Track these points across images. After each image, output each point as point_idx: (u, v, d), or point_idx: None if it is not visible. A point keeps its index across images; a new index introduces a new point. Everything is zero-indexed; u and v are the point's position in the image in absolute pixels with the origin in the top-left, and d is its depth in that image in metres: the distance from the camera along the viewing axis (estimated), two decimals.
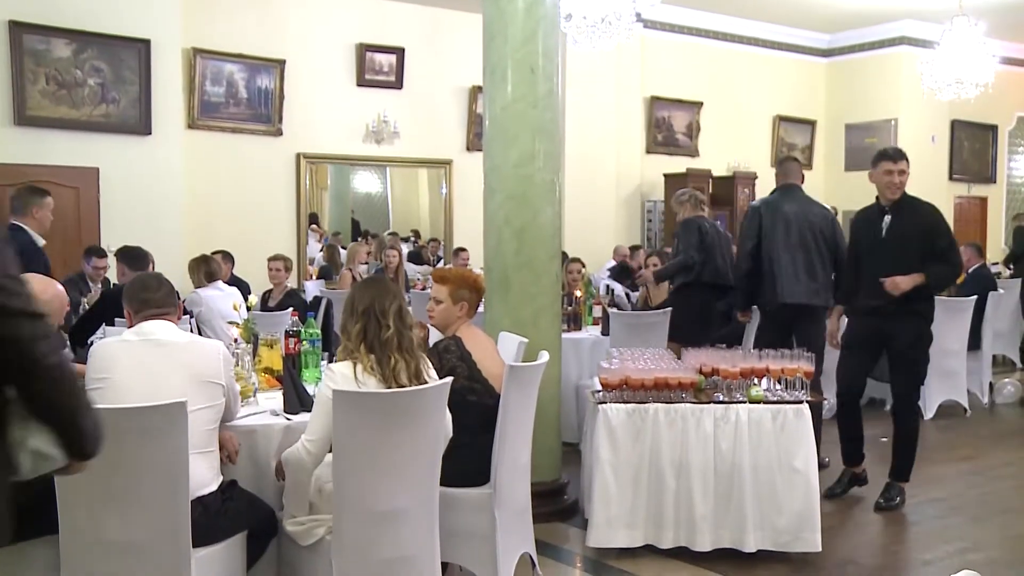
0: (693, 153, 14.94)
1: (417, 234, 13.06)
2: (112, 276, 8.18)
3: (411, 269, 11.50)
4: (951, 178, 17.02)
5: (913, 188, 17.20)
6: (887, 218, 6.11)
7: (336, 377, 3.81)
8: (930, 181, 16.38)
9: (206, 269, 8.04)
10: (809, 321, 6.81)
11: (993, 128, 17.67)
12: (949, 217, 16.16)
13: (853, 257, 6.44)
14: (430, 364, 4.13)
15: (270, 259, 8.82)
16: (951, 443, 8.16)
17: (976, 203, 17.71)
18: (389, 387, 3.78)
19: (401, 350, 3.87)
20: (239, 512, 3.80)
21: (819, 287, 6.79)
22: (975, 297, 9.23)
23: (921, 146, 16.02)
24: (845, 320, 6.59)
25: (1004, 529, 5.82)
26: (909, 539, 5.66)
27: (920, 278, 5.87)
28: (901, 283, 5.86)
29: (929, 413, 8.89)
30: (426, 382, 3.92)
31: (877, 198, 6.24)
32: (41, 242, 6.61)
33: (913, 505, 6.28)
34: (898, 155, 6.21)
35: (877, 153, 6.36)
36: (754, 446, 5.06)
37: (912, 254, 5.96)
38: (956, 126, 16.82)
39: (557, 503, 5.96)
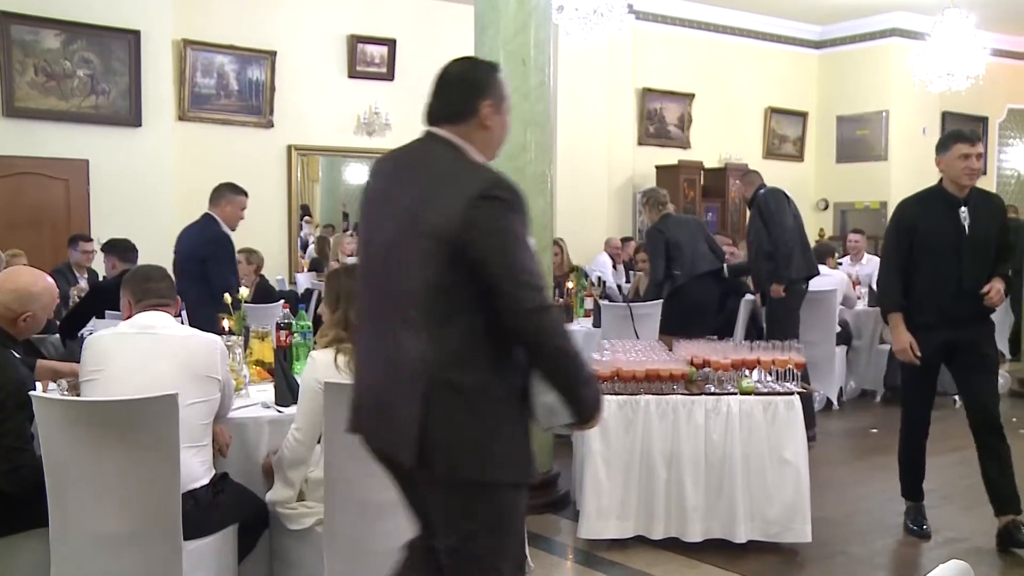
0: (685, 145, 14.96)
1: None
2: (99, 269, 8.18)
3: None
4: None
5: (904, 179, 17.38)
6: (964, 210, 5.25)
7: (317, 366, 3.83)
8: (921, 173, 16.42)
9: None
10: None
11: (984, 120, 17.69)
12: None
13: (905, 256, 5.40)
14: None
15: (238, 252, 8.83)
16: (942, 434, 8.09)
17: None
18: None
19: None
20: (230, 505, 3.81)
21: None
22: None
23: (912, 138, 16.08)
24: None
25: (993, 519, 5.84)
26: (898, 530, 5.69)
27: (1002, 282, 5.23)
28: (1003, 289, 5.24)
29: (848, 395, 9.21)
30: None
31: (941, 187, 5.40)
32: (228, 232, 7.09)
33: (868, 495, 6.33)
34: (975, 136, 5.42)
35: (948, 134, 5.55)
36: (745, 437, 5.09)
37: (991, 253, 5.26)
38: (947, 118, 16.83)
39: (549, 495, 5.97)
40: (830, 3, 14.79)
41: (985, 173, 17.90)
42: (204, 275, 6.53)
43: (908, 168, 16.07)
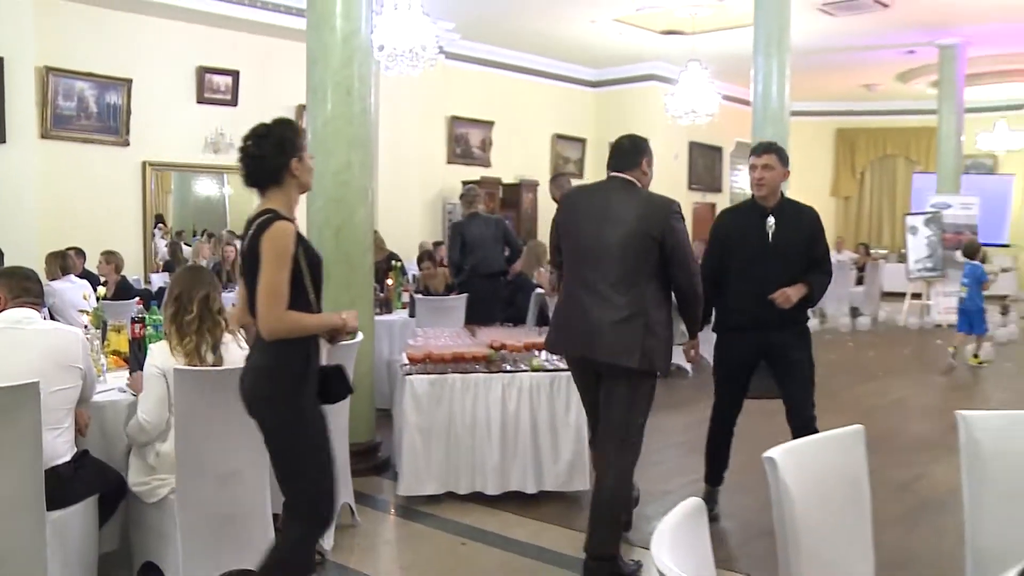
0: (486, 164, 15.10)
1: None
2: None
3: None
4: (690, 187, 17.80)
5: (660, 193, 17.69)
6: (771, 220, 4.70)
7: (155, 356, 3.74)
8: (674, 189, 17.06)
9: (61, 263, 7.67)
10: None
11: (719, 149, 18.56)
12: (688, 220, 17.18)
13: (717, 265, 4.81)
14: (239, 341, 3.98)
15: (101, 253, 8.49)
16: (682, 399, 8.48)
17: (708, 207, 18.53)
18: (192, 363, 3.70)
19: (201, 331, 3.78)
20: (90, 478, 3.66)
21: None
22: None
23: (666, 162, 16.66)
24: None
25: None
26: (655, 475, 5.87)
27: (804, 288, 4.64)
28: (793, 296, 4.58)
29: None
30: (221, 358, 3.83)
31: (753, 198, 4.82)
32: None
33: (660, 448, 6.54)
34: (760, 148, 4.86)
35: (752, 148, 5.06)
36: (535, 406, 5.18)
37: (797, 262, 4.68)
38: (693, 146, 17.59)
39: (372, 460, 5.95)
40: (603, 52, 15.21)
41: (721, 190, 18.83)
42: None
43: (664, 186, 16.48)
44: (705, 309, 4.49)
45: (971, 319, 10.11)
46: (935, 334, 12.92)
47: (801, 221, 4.80)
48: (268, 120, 3.31)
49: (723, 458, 5.08)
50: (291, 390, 3.13)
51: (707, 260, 4.85)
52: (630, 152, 4.38)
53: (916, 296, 14.44)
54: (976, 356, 10.26)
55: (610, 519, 4.05)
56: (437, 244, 13.15)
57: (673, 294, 4.14)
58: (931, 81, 16.35)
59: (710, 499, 4.96)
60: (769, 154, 4.77)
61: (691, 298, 4.15)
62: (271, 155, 3.27)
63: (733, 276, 4.77)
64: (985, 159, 19.57)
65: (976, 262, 10.28)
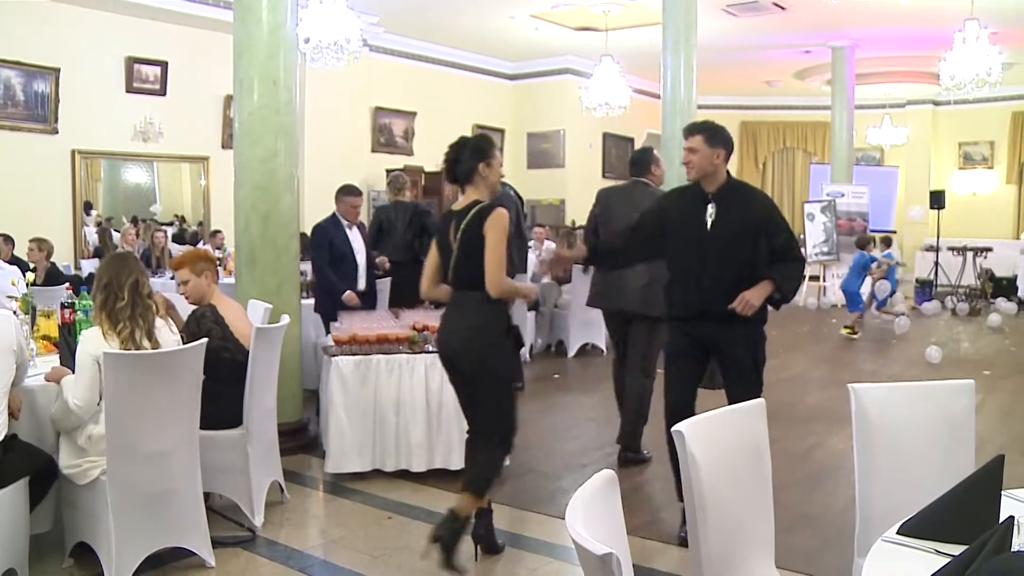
0: (409, 152, 14.98)
1: (181, 219, 12.49)
2: None
3: (174, 248, 11.00)
4: (603, 175, 17.90)
5: (576, 182, 17.98)
6: (711, 207, 4.16)
7: (87, 342, 3.64)
8: (589, 177, 17.22)
9: None
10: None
11: (631, 139, 18.65)
12: None
13: (646, 229, 4.42)
14: (171, 325, 3.98)
15: (29, 241, 8.22)
16: (596, 376, 8.57)
17: None
18: (126, 348, 3.62)
19: (134, 317, 3.70)
20: (20, 461, 3.54)
21: None
22: None
23: (582, 151, 16.84)
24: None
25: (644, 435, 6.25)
26: (572, 449, 5.95)
27: (769, 287, 4.06)
28: (754, 300, 4.01)
29: (571, 352, 9.53)
30: (159, 342, 3.77)
31: (698, 182, 4.24)
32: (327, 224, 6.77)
33: (576, 424, 6.64)
34: (688, 130, 4.28)
35: None
36: None
37: (737, 253, 4.10)
38: (606, 137, 17.69)
39: (300, 439, 5.89)
40: (520, 46, 15.21)
41: None
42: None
43: (579, 174, 16.86)
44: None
45: (849, 299, 11.29)
46: (831, 314, 13.30)
47: (748, 208, 4.17)
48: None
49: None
50: (497, 343, 3.85)
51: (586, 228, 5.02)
52: (641, 161, 5.72)
53: (814, 279, 14.83)
54: (849, 327, 11.17)
55: (635, 415, 5.48)
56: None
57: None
58: (825, 79, 16.75)
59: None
60: (694, 136, 4.20)
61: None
62: (465, 159, 3.99)
63: (671, 262, 4.33)
64: (873, 152, 20.14)
65: (863, 251, 11.47)
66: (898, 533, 2.03)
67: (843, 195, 15.43)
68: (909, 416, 2.75)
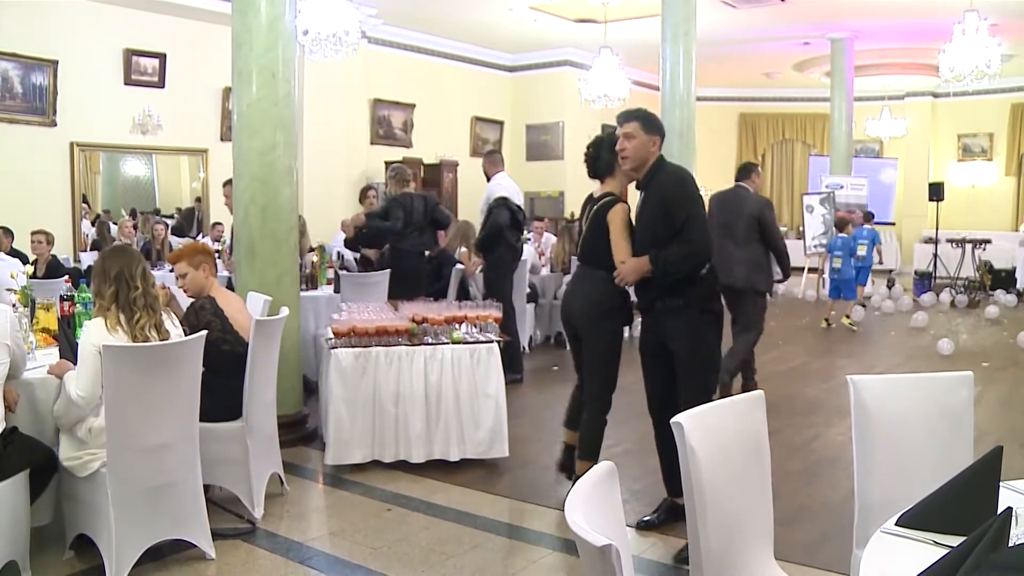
0: (408, 144, 14.96)
1: (180, 212, 12.50)
2: None
3: (174, 241, 11.00)
4: None
5: (576, 175, 17.85)
6: (640, 195, 4.21)
7: (91, 334, 3.63)
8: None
9: None
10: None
11: None
12: None
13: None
14: (173, 317, 4.00)
15: (32, 233, 8.22)
16: None
17: None
18: (135, 340, 3.62)
19: (146, 307, 3.72)
20: (20, 454, 3.54)
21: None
22: None
23: (581, 143, 16.69)
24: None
25: (636, 428, 6.17)
26: None
27: (645, 262, 4.01)
28: (626, 274, 4.08)
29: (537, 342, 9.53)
30: (168, 333, 3.80)
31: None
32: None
33: None
34: (623, 117, 4.15)
35: None
36: (456, 378, 5.17)
37: (652, 235, 4.05)
38: (605, 129, 17.57)
39: (300, 431, 5.89)
40: (519, 38, 15.18)
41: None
42: None
43: (578, 166, 16.48)
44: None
45: (841, 286, 11.26)
46: (830, 306, 13.27)
47: (659, 192, 4.08)
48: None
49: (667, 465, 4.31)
50: (608, 315, 4.38)
51: None
52: (744, 170, 7.19)
53: (813, 270, 14.84)
54: (847, 317, 11.15)
55: (745, 351, 6.93)
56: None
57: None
58: (824, 71, 16.73)
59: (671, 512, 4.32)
60: (630, 122, 4.09)
61: (781, 251, 7.01)
62: (604, 156, 4.41)
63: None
64: (872, 144, 20.14)
65: (844, 234, 11.61)
66: (896, 524, 2.03)
67: (842, 187, 15.42)
68: (908, 408, 2.76)
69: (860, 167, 16.57)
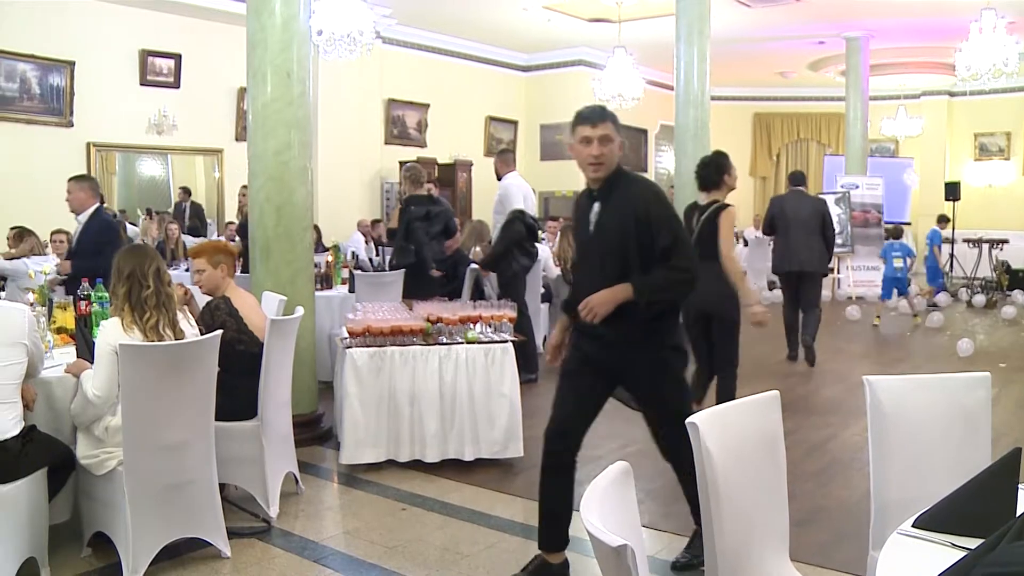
0: (422, 144, 14.99)
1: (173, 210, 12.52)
2: None
3: (188, 240, 11.05)
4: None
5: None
6: (596, 206, 3.57)
7: (107, 333, 3.65)
8: None
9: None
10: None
11: (644, 131, 18.65)
12: None
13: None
14: (189, 316, 4.02)
15: (52, 233, 8.29)
16: None
17: None
18: (149, 339, 3.64)
19: (159, 306, 3.74)
20: (38, 452, 3.57)
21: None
22: None
23: None
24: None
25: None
26: (586, 441, 5.87)
27: (625, 291, 3.39)
28: (598, 307, 3.39)
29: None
30: (183, 331, 3.82)
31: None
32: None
33: None
34: (595, 115, 3.58)
35: (574, 116, 3.68)
36: (471, 377, 5.17)
37: (620, 257, 3.45)
38: (620, 128, 17.64)
39: (315, 430, 5.92)
40: (533, 37, 15.18)
41: (646, 171, 18.89)
42: None
43: None
44: None
45: (896, 284, 11.84)
46: (846, 305, 13.21)
47: (627, 203, 3.48)
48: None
49: (558, 516, 3.70)
50: (731, 297, 5.22)
51: None
52: (799, 177, 8.85)
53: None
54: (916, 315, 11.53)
55: (815, 328, 8.51)
56: (375, 221, 13.06)
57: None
58: (839, 70, 16.65)
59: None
60: (604, 123, 3.56)
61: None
62: (712, 174, 5.42)
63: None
64: (888, 143, 20.03)
65: (903, 241, 12.15)
66: (913, 526, 2.02)
67: (857, 187, 15.34)
68: (925, 408, 2.74)
69: (875, 166, 16.47)
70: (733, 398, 4.91)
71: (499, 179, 7.85)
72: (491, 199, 8.18)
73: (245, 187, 9.48)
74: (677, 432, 3.07)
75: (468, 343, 5.22)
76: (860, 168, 15.65)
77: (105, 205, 6.73)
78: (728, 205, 5.31)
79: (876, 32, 14.78)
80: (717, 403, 4.78)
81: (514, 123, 16.94)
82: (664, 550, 4.04)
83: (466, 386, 5.15)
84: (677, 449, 3.39)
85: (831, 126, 20.55)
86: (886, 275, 11.85)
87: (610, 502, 1.75)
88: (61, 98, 10.41)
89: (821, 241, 8.36)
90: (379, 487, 4.95)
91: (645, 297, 3.42)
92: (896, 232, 12.34)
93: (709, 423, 2.26)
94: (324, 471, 5.30)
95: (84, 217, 6.46)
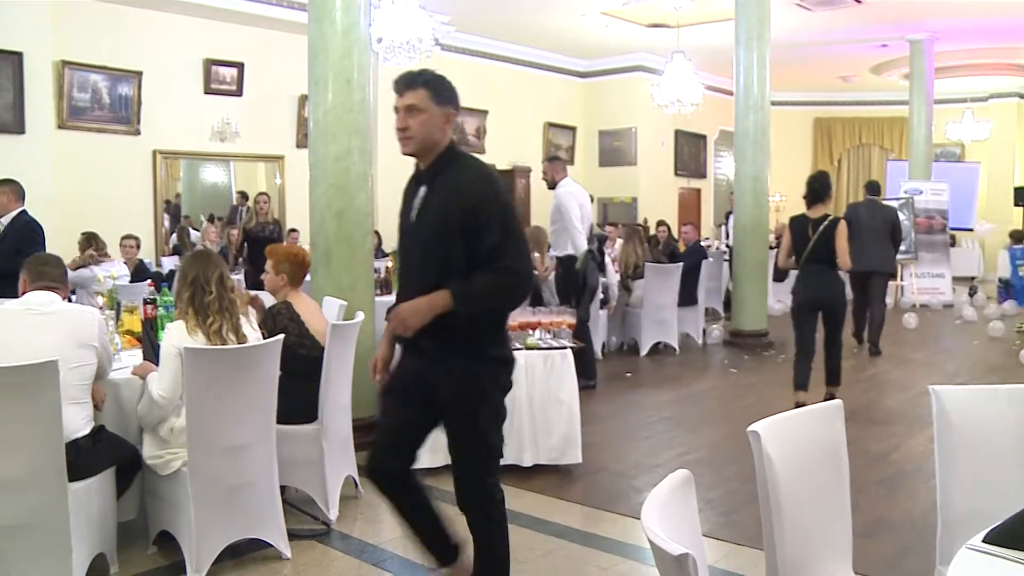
0: (481, 151, 15.00)
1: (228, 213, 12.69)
2: None
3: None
4: (676, 174, 17.78)
5: (649, 180, 17.84)
6: (422, 190, 3.02)
7: (171, 336, 3.73)
8: (661, 175, 17.10)
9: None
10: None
11: (703, 137, 18.51)
12: (672, 204, 17.31)
13: None
14: (252, 321, 4.08)
15: (123, 237, 8.51)
16: (669, 375, 8.57)
17: (693, 193, 18.53)
18: (212, 342, 3.70)
19: (221, 310, 3.80)
20: (107, 451, 3.66)
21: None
22: (681, 264, 9.72)
23: (654, 148, 16.70)
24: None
25: (709, 436, 6.18)
26: (644, 449, 5.92)
27: (443, 299, 2.83)
28: (409, 318, 2.86)
29: (644, 351, 9.40)
30: (246, 335, 3.87)
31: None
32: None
33: (648, 423, 6.59)
34: (406, 82, 3.07)
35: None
36: (529, 383, 5.15)
37: (438, 254, 2.90)
38: (678, 134, 17.53)
39: (374, 434, 5.95)
40: (592, 43, 15.15)
41: (705, 176, 18.70)
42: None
43: (651, 171, 16.74)
44: None
45: (1017, 293, 12.18)
46: (910, 313, 12.95)
47: (454, 190, 2.92)
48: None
49: (433, 533, 3.33)
50: (844, 293, 6.46)
51: None
52: (876, 187, 9.96)
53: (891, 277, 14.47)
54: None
55: (879, 324, 9.51)
56: None
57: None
58: (903, 73, 16.34)
59: None
60: (415, 89, 3.02)
61: None
62: (823, 191, 6.42)
63: None
64: (953, 147, 19.60)
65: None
66: (984, 541, 1.97)
67: (921, 192, 15.02)
68: (993, 419, 2.67)
69: (940, 172, 16.11)
70: (839, 373, 6.64)
71: (550, 187, 7.78)
72: (549, 205, 8.17)
73: (263, 194, 9.98)
74: (482, 490, 3.04)
75: (527, 349, 5.21)
76: (924, 173, 15.33)
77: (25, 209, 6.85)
78: (840, 219, 6.43)
79: (941, 34, 14.47)
80: (827, 377, 6.61)
81: (572, 129, 16.92)
82: (723, 559, 3.99)
83: (525, 392, 5.13)
84: (482, 522, 3.12)
85: (894, 131, 20.18)
86: (1017, 283, 11.83)
87: (671, 510, 1.74)
88: (129, 107, 10.67)
89: (890, 246, 9.41)
90: (437, 491, 4.91)
91: (465, 307, 2.85)
92: (1019, 236, 12.27)
93: (771, 431, 2.23)
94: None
95: (7, 220, 6.66)
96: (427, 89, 3.01)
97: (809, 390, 6.48)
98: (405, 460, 3.15)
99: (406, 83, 3.02)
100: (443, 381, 2.95)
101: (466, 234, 2.84)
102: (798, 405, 5.04)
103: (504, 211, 2.92)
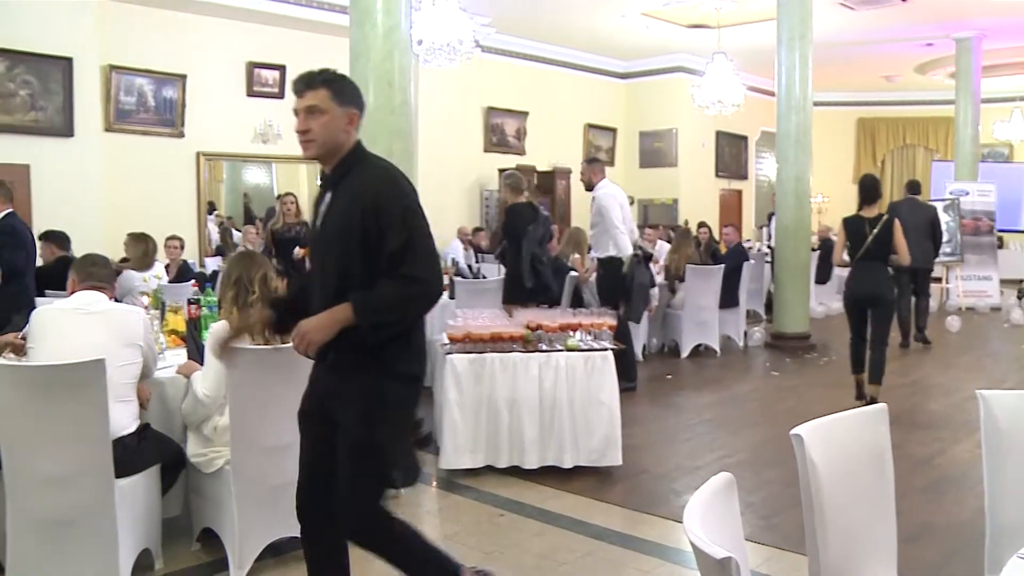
0: (521, 152, 15.06)
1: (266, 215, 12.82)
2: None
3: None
4: (717, 175, 17.68)
5: (689, 181, 17.74)
6: (328, 196, 2.88)
7: (215, 336, 3.78)
8: (702, 176, 17.00)
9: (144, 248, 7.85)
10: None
11: (744, 138, 18.37)
12: (714, 206, 17.20)
13: None
14: None
15: (168, 238, 8.61)
16: (710, 377, 8.51)
17: (734, 194, 18.41)
18: (255, 342, 3.72)
19: None
20: (153, 449, 3.71)
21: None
22: (723, 266, 9.64)
23: (694, 150, 16.62)
24: None
25: (751, 439, 6.12)
26: (685, 451, 5.88)
27: (345, 313, 2.67)
28: (311, 333, 2.70)
29: (685, 353, 9.35)
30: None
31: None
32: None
33: (689, 425, 6.55)
34: (305, 82, 2.86)
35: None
36: (570, 385, 5.15)
37: (343, 262, 2.76)
38: (719, 135, 17.43)
39: (415, 435, 5.95)
40: (632, 44, 15.12)
41: (746, 177, 18.55)
42: None
43: (692, 173, 16.65)
44: None
45: None
46: (954, 316, 12.74)
47: (356, 191, 2.77)
48: None
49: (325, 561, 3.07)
50: (892, 288, 6.95)
51: None
52: (917, 186, 10.18)
53: (936, 280, 14.22)
54: None
55: (918, 313, 10.08)
56: (477, 230, 13.17)
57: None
58: (948, 72, 16.09)
59: None
60: (316, 89, 2.83)
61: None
62: (872, 190, 6.83)
63: None
64: (1001, 148, 19.24)
65: None
66: None
67: (967, 193, 14.77)
68: None
69: (987, 172, 15.83)
70: (884, 367, 6.73)
71: (587, 188, 7.72)
72: (589, 206, 8.14)
73: (289, 194, 9.63)
74: (369, 519, 2.75)
75: (568, 351, 5.20)
76: (971, 174, 15.07)
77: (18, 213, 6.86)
78: (895, 217, 6.79)
79: (988, 32, 14.22)
80: (869, 374, 6.73)
81: (613, 130, 16.88)
82: (765, 563, 3.96)
83: (565, 393, 5.13)
84: (381, 549, 2.89)
85: (939, 131, 19.88)
86: None
87: (713, 513, 1.73)
88: (173, 110, 10.82)
89: (931, 244, 9.79)
90: (477, 492, 4.98)
91: (368, 320, 2.68)
92: None
93: (814, 435, 2.21)
94: (423, 475, 5.33)
95: None
96: (328, 89, 2.83)
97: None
98: (324, 510, 2.91)
99: (305, 83, 2.84)
100: (347, 393, 2.78)
101: (368, 239, 2.69)
102: (859, 384, 6.82)
103: (407, 213, 2.75)
